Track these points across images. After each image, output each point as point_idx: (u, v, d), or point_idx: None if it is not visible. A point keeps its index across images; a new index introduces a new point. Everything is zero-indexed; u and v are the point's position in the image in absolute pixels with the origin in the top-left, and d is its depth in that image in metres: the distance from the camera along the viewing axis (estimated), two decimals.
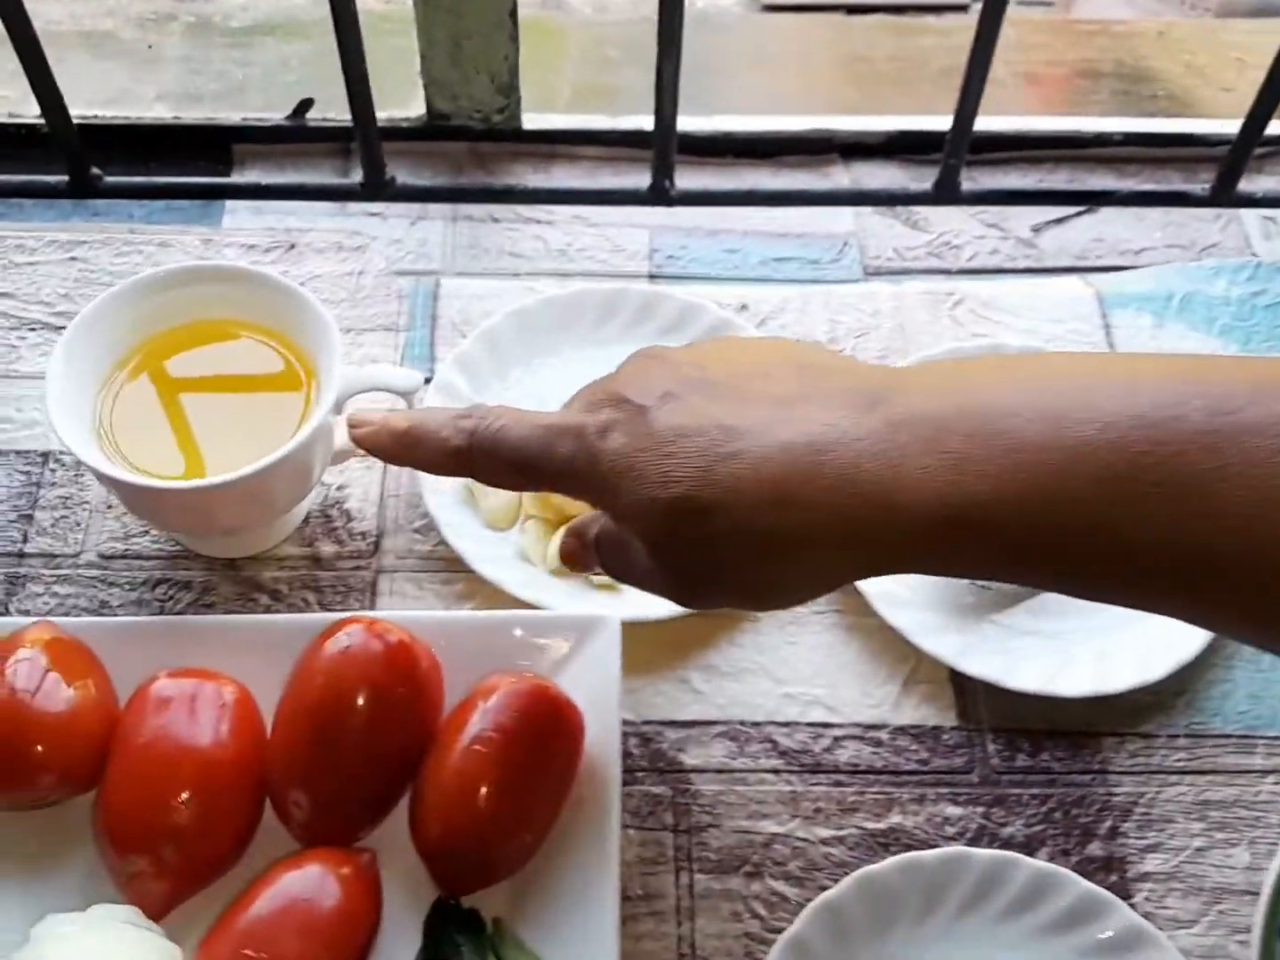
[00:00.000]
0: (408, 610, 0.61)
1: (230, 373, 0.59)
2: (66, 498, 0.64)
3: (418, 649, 0.53)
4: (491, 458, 0.43)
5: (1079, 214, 0.84)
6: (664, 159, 0.77)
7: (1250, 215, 0.84)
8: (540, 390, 0.67)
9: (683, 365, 0.41)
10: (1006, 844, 0.56)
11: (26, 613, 0.60)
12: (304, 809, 0.51)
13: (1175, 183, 0.86)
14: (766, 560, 0.38)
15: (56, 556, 0.62)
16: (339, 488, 0.65)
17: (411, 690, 0.52)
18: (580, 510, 0.61)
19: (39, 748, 0.51)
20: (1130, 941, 0.52)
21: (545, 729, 0.52)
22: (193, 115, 0.85)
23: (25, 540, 0.63)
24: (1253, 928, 0.52)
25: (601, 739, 0.54)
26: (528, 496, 0.62)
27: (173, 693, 0.52)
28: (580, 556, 0.51)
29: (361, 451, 0.47)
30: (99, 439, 0.57)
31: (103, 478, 0.54)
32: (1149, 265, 0.80)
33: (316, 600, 0.61)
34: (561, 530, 0.60)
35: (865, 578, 0.41)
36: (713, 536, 0.38)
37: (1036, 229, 0.83)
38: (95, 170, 0.78)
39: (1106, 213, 0.84)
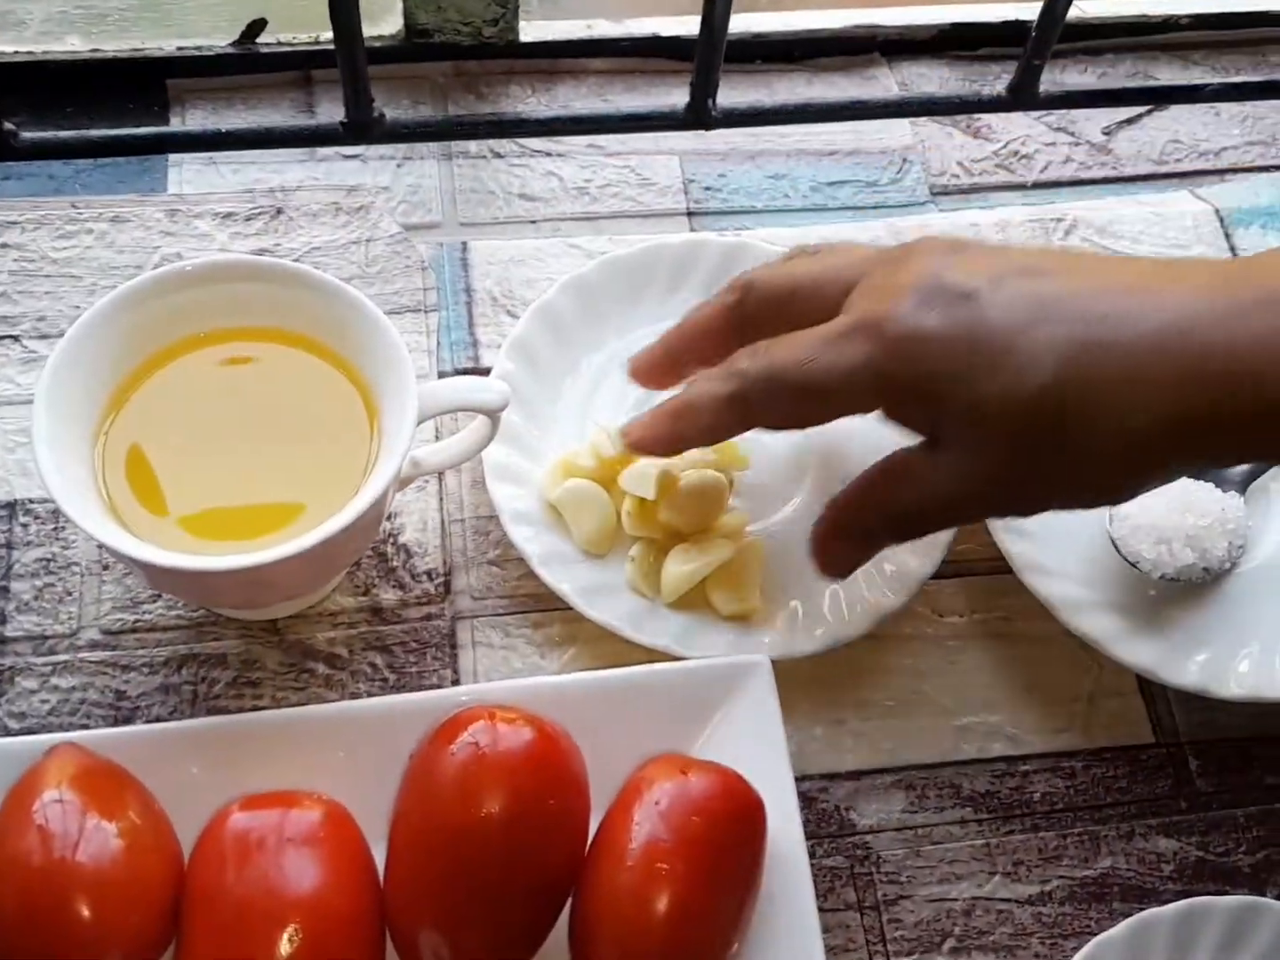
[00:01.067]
0: (501, 671, 0.50)
1: (270, 400, 0.46)
2: (47, 560, 0.51)
3: (556, 737, 0.42)
4: (770, 391, 0.40)
5: (1149, 112, 0.75)
6: (709, 70, 0.64)
7: None
8: (614, 382, 0.55)
9: (1001, 254, 0.39)
10: (1231, 878, 0.49)
11: (20, 717, 0.48)
12: (441, 955, 0.40)
13: (1246, 70, 0.77)
14: (1130, 452, 0.36)
15: (49, 638, 0.49)
16: (390, 517, 0.53)
17: (561, 794, 0.41)
18: (699, 524, 0.51)
19: (89, 913, 0.39)
20: None
21: (728, 826, 0.42)
22: (114, 46, 0.68)
23: (3, 621, 0.50)
24: None
25: (777, 814, 0.44)
26: (629, 515, 0.51)
27: (252, 827, 0.41)
28: (846, 547, 0.44)
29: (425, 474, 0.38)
30: (101, 497, 0.44)
31: (124, 558, 0.41)
32: (1235, 169, 0.71)
33: (386, 664, 0.50)
34: (679, 552, 0.50)
35: (1217, 463, 0.41)
36: (1073, 432, 0.36)
37: (1108, 131, 0.74)
38: (8, 125, 0.62)
39: (1178, 109, 0.75)
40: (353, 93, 0.63)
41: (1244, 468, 0.55)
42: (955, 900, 0.48)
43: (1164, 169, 0.72)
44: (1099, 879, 0.49)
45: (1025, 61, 0.68)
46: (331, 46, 0.59)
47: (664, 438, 0.44)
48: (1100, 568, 0.53)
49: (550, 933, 0.42)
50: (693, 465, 0.51)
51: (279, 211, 0.61)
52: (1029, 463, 0.37)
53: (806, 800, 0.49)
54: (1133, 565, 0.52)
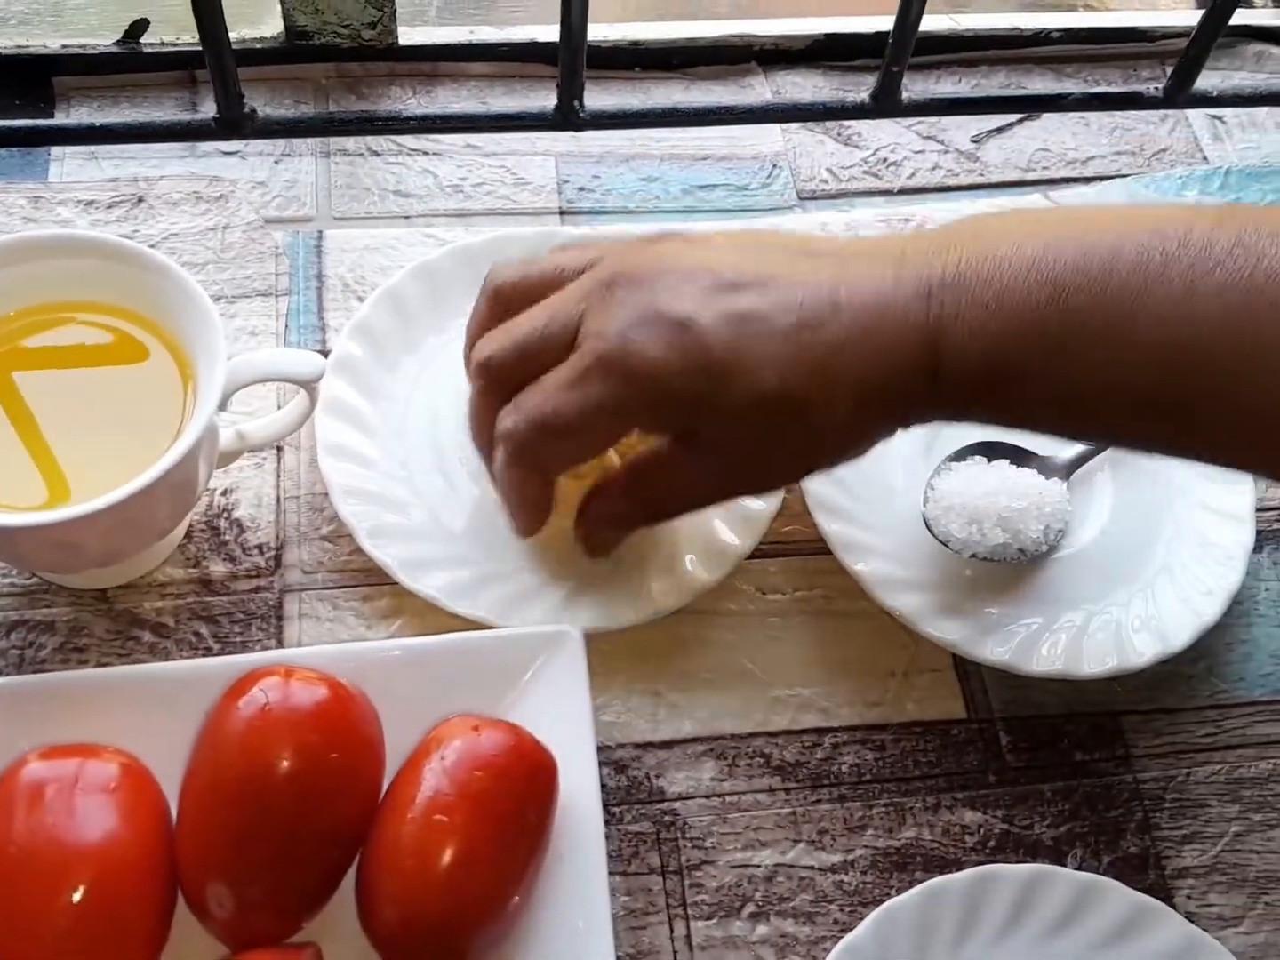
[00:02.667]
0: (326, 643, 0.51)
1: (88, 368, 0.48)
2: None
3: (353, 698, 0.43)
4: (539, 441, 0.43)
5: (1020, 121, 0.77)
6: (573, 74, 0.66)
7: (1198, 115, 0.78)
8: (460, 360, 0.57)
9: (694, 270, 0.42)
10: (1032, 850, 0.50)
11: None
12: (227, 906, 0.41)
13: (1116, 83, 0.80)
14: (850, 420, 0.42)
15: None
16: (225, 492, 0.54)
17: (350, 751, 0.43)
18: None
19: None
20: (1184, 952, 0.47)
21: (515, 784, 0.43)
22: (1, 44, 0.70)
23: None
24: None
25: (576, 778, 0.46)
26: None
27: (48, 777, 0.42)
28: (607, 532, 0.49)
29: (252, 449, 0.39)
30: None
31: None
32: (1101, 176, 0.73)
33: (212, 633, 0.51)
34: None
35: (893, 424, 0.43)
36: (805, 415, 0.41)
37: (977, 140, 0.76)
38: None
39: (1049, 119, 0.77)
40: (222, 90, 0.65)
41: (1069, 455, 0.57)
42: (758, 867, 0.49)
43: (1030, 176, 0.74)
44: (902, 849, 0.50)
45: (885, 69, 0.70)
46: None
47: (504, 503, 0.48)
48: (917, 549, 0.55)
49: (338, 888, 0.43)
50: None
51: (140, 200, 0.62)
52: (776, 445, 0.42)
53: (618, 767, 0.50)
54: (944, 544, 0.54)
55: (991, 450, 0.56)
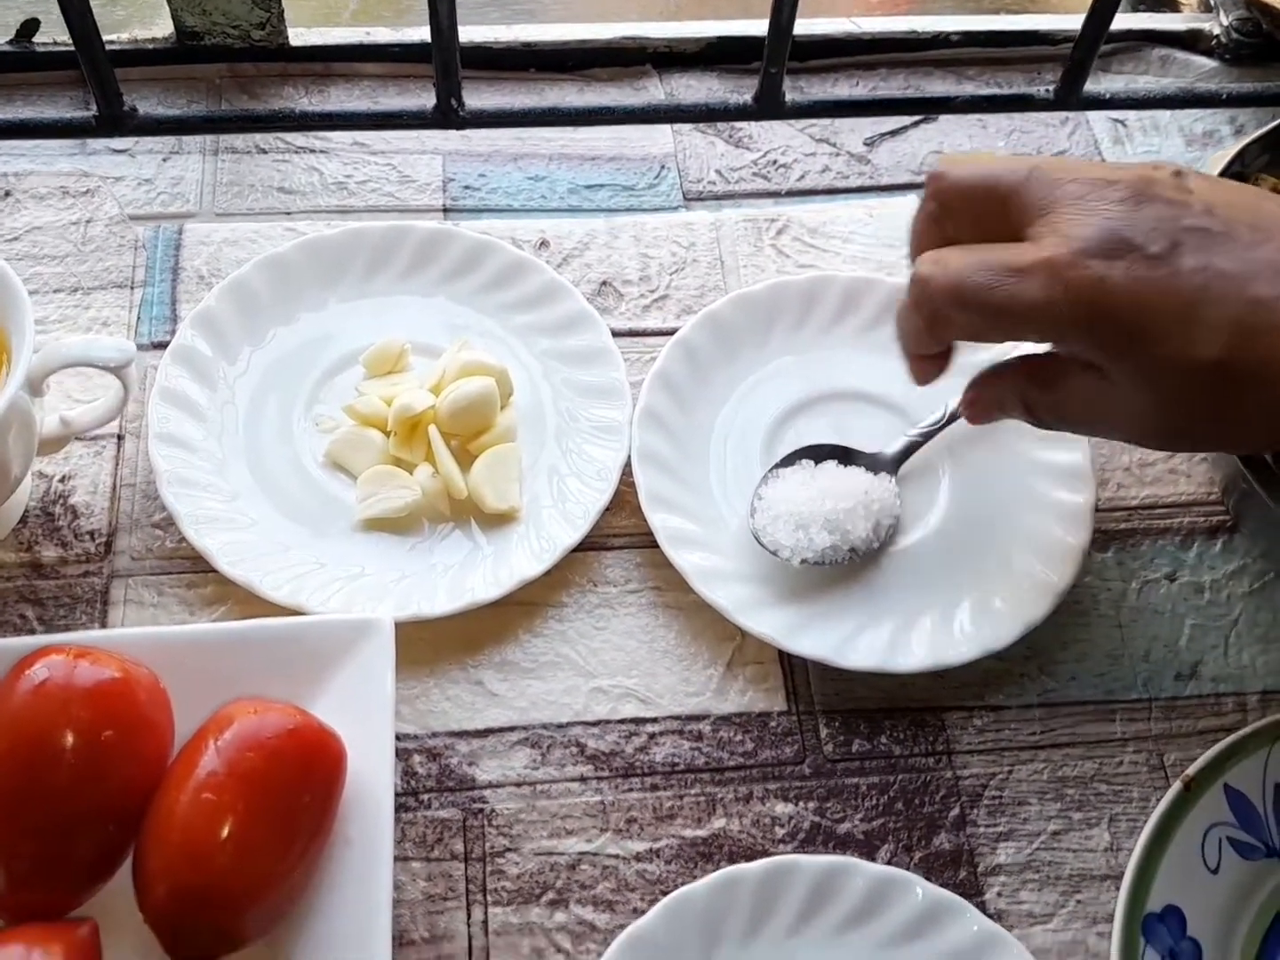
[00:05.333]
0: (140, 626, 0.52)
1: None
2: None
3: (136, 679, 0.44)
4: (952, 305, 0.41)
5: (916, 124, 0.77)
6: (447, 73, 0.67)
7: (1098, 118, 0.78)
8: (304, 352, 0.58)
9: (1184, 207, 0.39)
10: (843, 843, 0.50)
11: None
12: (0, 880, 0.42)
13: (1019, 86, 0.80)
14: None
15: None
16: (63, 479, 0.55)
17: (128, 730, 0.43)
18: (476, 427, 0.56)
19: None
20: (980, 947, 0.46)
21: (292, 766, 0.43)
22: None
23: None
24: (1114, 917, 0.47)
25: (371, 763, 0.46)
26: (399, 441, 0.56)
27: None
28: (998, 402, 0.47)
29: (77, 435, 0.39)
30: None
31: None
32: None
33: (37, 616, 0.52)
34: None
35: None
36: (1244, 402, 0.39)
37: (870, 143, 0.76)
38: None
39: (946, 122, 0.77)
40: (99, 88, 0.65)
41: (894, 450, 0.57)
42: (562, 855, 0.49)
43: (921, 178, 0.74)
44: (709, 839, 0.50)
45: (764, 71, 0.70)
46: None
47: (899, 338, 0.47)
48: (746, 545, 0.55)
49: (120, 865, 0.44)
50: (464, 374, 0.55)
51: (7, 194, 0.63)
52: (1186, 418, 0.41)
53: (431, 755, 0.51)
54: (773, 554, 0.54)
55: (818, 453, 0.56)
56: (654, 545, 0.55)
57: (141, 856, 0.42)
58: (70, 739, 0.42)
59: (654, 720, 0.52)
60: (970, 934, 0.47)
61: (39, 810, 0.42)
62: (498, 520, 0.54)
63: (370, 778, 0.46)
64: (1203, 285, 0.38)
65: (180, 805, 0.42)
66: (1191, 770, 0.50)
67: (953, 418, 0.58)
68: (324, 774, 0.44)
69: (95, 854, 0.43)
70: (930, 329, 0.44)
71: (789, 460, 0.56)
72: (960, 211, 0.44)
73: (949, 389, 0.59)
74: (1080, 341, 0.40)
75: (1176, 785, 0.49)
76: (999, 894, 0.49)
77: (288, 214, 0.67)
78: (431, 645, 0.53)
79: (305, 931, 0.44)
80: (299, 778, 0.43)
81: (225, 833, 0.41)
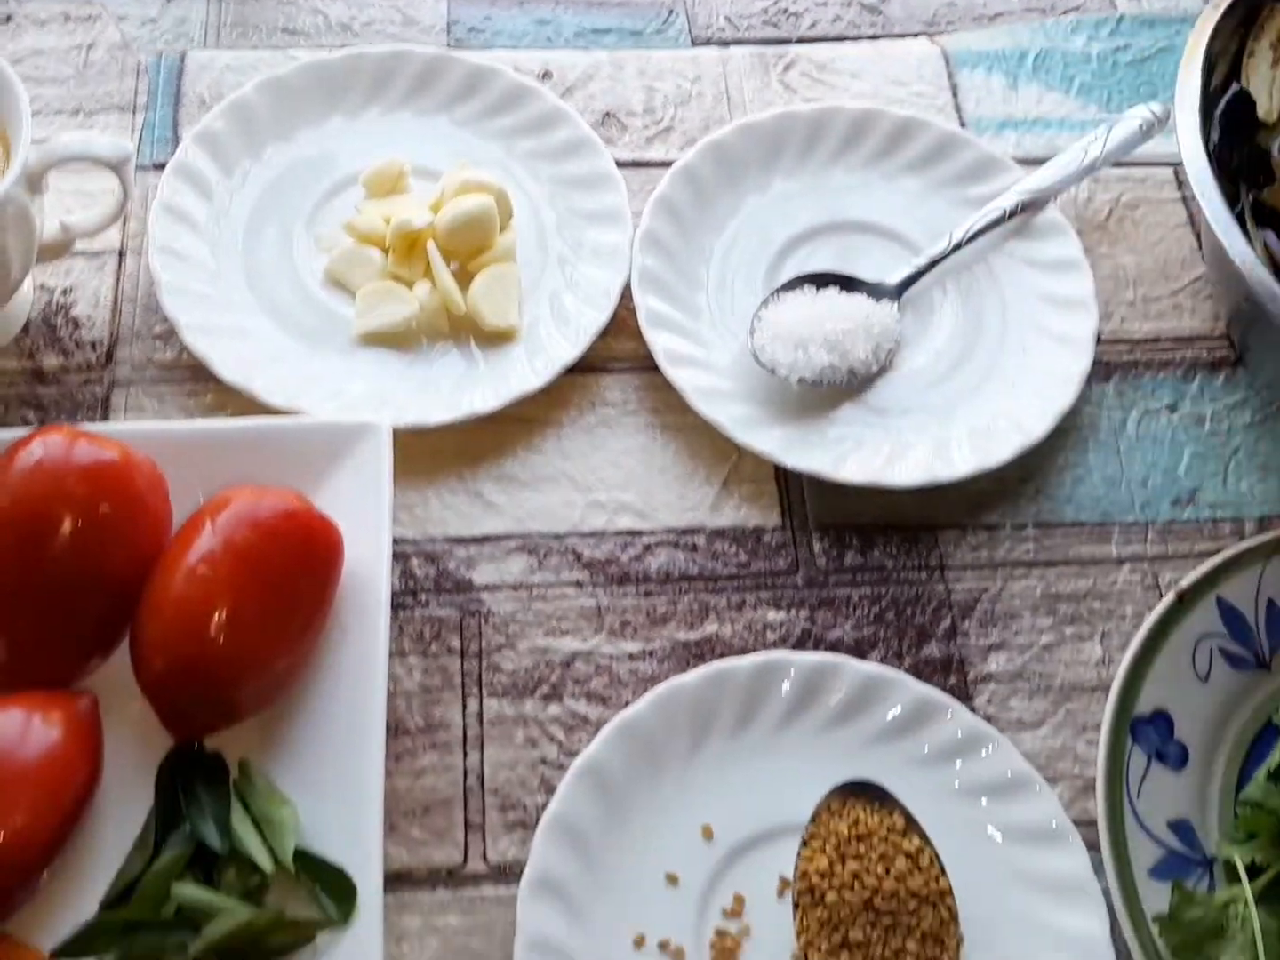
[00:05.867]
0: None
1: None
2: None
3: (133, 461, 0.44)
4: None
5: None
6: None
7: None
8: (304, 172, 0.58)
9: None
10: (833, 649, 0.50)
11: None
12: (1, 650, 0.43)
13: None
14: None
15: None
16: (65, 292, 0.55)
17: (124, 506, 0.44)
18: (475, 245, 0.56)
19: None
20: (966, 745, 0.47)
21: (289, 547, 0.44)
22: None
23: None
24: (1103, 723, 0.48)
25: (369, 559, 0.46)
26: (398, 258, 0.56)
27: None
28: None
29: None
30: None
31: None
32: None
33: (39, 419, 0.52)
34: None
35: None
36: None
37: None
38: None
39: None
40: None
41: (899, 278, 0.57)
42: (557, 653, 0.50)
43: (933, 30, 0.73)
44: (702, 642, 0.50)
45: None
46: None
47: None
48: (746, 368, 0.55)
49: (120, 643, 0.44)
50: (463, 192, 0.55)
51: (9, 18, 0.63)
52: None
53: (430, 558, 0.51)
54: (771, 372, 0.54)
55: (821, 280, 0.56)
56: (653, 369, 0.55)
57: (138, 629, 0.43)
58: (67, 513, 0.42)
59: (650, 532, 0.53)
60: (957, 730, 0.47)
61: (37, 581, 0.42)
62: (496, 339, 0.54)
63: (367, 572, 0.46)
64: None
65: (176, 579, 0.43)
66: (1185, 582, 0.50)
67: (956, 247, 0.58)
68: (320, 557, 0.45)
69: (94, 627, 0.44)
70: None
71: (791, 285, 0.56)
72: None
73: (952, 219, 0.59)
74: None
75: (1170, 596, 0.49)
76: (988, 701, 0.50)
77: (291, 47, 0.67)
78: (430, 458, 0.53)
79: (301, 712, 0.45)
80: (295, 557, 0.44)
81: (221, 605, 0.42)
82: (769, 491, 0.54)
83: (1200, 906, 0.43)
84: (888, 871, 0.43)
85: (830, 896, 0.43)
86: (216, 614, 0.42)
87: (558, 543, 0.52)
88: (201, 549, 0.43)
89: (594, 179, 0.58)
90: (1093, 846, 0.45)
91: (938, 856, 0.44)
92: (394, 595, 0.50)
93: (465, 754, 0.48)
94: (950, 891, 0.44)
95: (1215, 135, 0.55)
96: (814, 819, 0.45)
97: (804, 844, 0.45)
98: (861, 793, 0.45)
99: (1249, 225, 0.54)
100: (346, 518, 0.47)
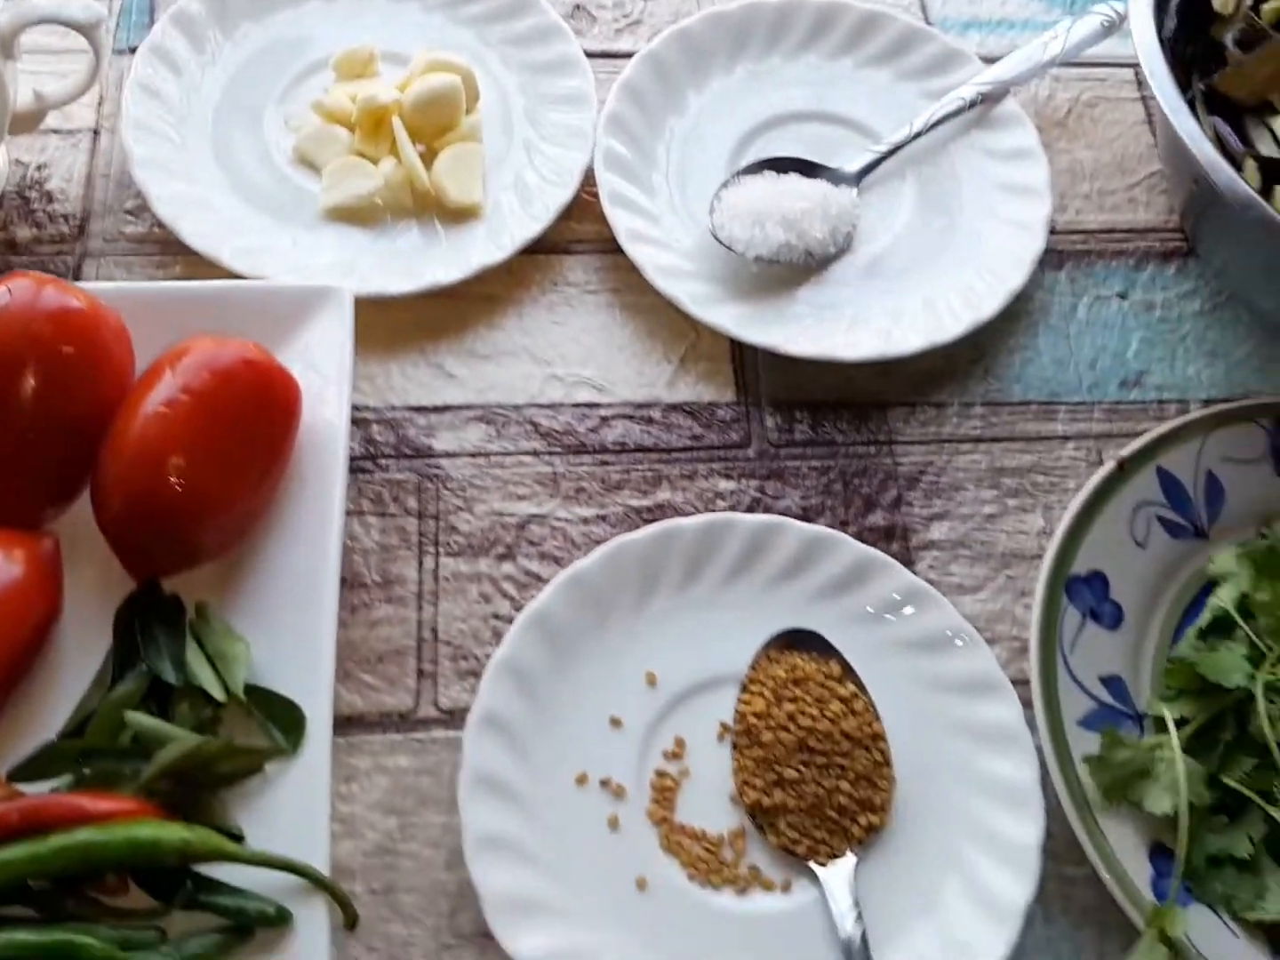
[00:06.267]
0: None
1: None
2: None
3: (98, 309, 0.46)
4: None
5: None
6: None
7: None
8: (275, 54, 0.59)
9: None
10: (782, 515, 0.52)
11: None
12: None
13: None
14: None
15: None
16: (39, 167, 0.57)
17: (88, 351, 0.45)
18: (441, 123, 0.57)
19: None
20: (905, 602, 0.48)
21: (247, 392, 0.45)
22: None
23: None
24: (1039, 579, 0.49)
25: (328, 418, 0.48)
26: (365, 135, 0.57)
27: None
28: None
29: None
30: None
31: None
32: None
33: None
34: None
35: None
36: None
37: None
38: None
39: None
40: None
41: (859, 164, 0.58)
42: (512, 516, 0.51)
43: None
44: (654, 508, 0.52)
45: None
46: None
47: None
48: (705, 249, 0.56)
49: (84, 489, 0.46)
50: (430, 70, 0.56)
51: None
52: None
53: (391, 425, 0.53)
54: (729, 248, 0.55)
55: (782, 165, 0.57)
56: (616, 250, 0.56)
57: (99, 472, 0.44)
58: (31, 353, 0.44)
59: (607, 405, 0.54)
60: (896, 589, 0.48)
61: (1, 421, 0.44)
62: (459, 215, 0.56)
63: (327, 431, 0.48)
64: None
65: (136, 420, 0.44)
66: (1125, 451, 0.51)
67: (916, 136, 0.59)
68: (278, 405, 0.46)
69: (58, 468, 0.45)
70: None
71: (753, 169, 0.57)
72: None
73: (916, 111, 0.59)
74: None
75: (1110, 464, 0.50)
76: (930, 566, 0.51)
77: None
78: (393, 332, 0.54)
79: (259, 560, 0.46)
80: (253, 403, 0.45)
81: (179, 445, 0.44)
82: (724, 370, 0.55)
83: (1129, 749, 0.45)
84: (822, 713, 0.45)
85: (766, 736, 0.45)
86: (174, 454, 0.43)
87: (516, 413, 0.53)
88: (161, 392, 0.44)
89: (561, 64, 0.59)
90: (1027, 704, 0.46)
91: (873, 704, 0.46)
92: (354, 460, 0.51)
93: (420, 608, 0.49)
94: (884, 736, 0.45)
95: (1171, 25, 0.56)
96: (753, 665, 0.46)
97: (743, 689, 0.46)
98: (801, 643, 0.47)
99: (1200, 112, 0.55)
100: (307, 377, 0.48)
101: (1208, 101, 0.55)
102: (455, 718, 0.47)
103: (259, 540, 0.46)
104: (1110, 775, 0.45)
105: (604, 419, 0.54)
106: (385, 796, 0.46)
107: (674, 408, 0.54)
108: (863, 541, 0.50)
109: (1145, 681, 0.49)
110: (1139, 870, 0.44)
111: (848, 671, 0.46)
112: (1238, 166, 0.53)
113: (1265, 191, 0.52)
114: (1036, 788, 0.45)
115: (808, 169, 0.57)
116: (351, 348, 0.49)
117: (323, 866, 0.41)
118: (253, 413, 0.45)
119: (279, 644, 0.44)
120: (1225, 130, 0.55)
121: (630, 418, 0.54)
